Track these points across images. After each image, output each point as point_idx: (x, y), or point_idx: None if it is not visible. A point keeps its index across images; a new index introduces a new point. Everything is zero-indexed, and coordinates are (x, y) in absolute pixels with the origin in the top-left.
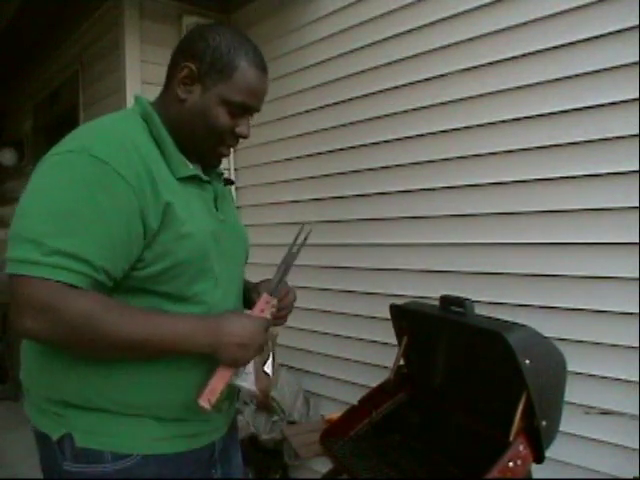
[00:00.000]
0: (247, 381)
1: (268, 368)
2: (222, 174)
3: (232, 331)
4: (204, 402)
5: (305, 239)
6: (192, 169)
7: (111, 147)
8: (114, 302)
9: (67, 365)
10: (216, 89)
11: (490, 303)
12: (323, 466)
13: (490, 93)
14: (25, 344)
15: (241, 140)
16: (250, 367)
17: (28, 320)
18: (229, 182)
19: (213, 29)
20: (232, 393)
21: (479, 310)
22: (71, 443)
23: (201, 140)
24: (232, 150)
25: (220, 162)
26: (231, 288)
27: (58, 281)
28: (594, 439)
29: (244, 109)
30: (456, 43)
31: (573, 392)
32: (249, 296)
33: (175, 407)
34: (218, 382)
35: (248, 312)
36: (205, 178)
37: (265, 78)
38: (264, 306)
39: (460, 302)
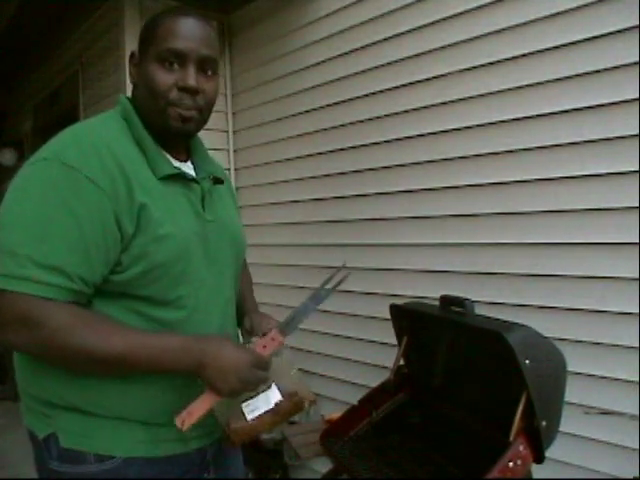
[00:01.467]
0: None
1: (249, 411)
2: (211, 174)
3: (217, 355)
4: (179, 422)
5: (339, 283)
6: (174, 167)
7: (82, 152)
8: (93, 316)
9: (50, 369)
10: (148, 54)
11: (490, 303)
12: (323, 466)
13: (490, 93)
14: None
15: (241, 140)
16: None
17: (10, 333)
18: (218, 181)
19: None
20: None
21: (479, 310)
22: (56, 443)
23: (151, 107)
24: (229, 140)
25: (184, 127)
26: (219, 290)
27: (33, 295)
28: (594, 439)
29: (177, 56)
30: (456, 43)
31: (573, 392)
32: (243, 314)
33: (158, 412)
34: (198, 406)
35: (252, 343)
36: (190, 176)
37: (194, 21)
38: (269, 343)
39: (460, 302)
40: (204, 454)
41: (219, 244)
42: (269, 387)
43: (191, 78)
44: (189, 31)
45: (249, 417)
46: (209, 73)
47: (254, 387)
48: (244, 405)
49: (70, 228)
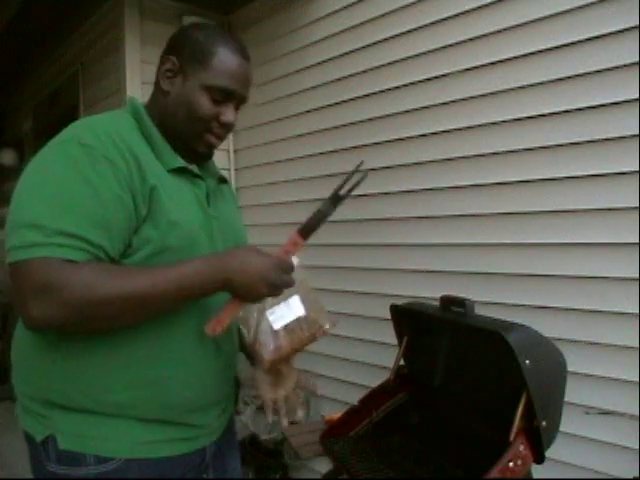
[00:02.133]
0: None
1: (275, 319)
2: (217, 173)
3: (241, 267)
4: (209, 330)
5: (357, 184)
6: (182, 162)
7: (98, 135)
8: (112, 266)
9: (52, 364)
10: (196, 76)
11: (490, 303)
12: (323, 466)
13: (491, 93)
14: (15, 345)
15: (241, 140)
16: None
17: (33, 307)
18: (222, 180)
19: (194, 25)
20: (226, 399)
21: (479, 310)
22: (54, 445)
23: (186, 128)
24: (231, 152)
25: (210, 152)
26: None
27: (56, 258)
28: (594, 439)
29: (225, 94)
30: (456, 43)
31: (573, 392)
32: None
33: (161, 406)
34: (226, 314)
35: (270, 251)
36: (196, 172)
37: (246, 64)
38: (290, 248)
39: (460, 302)
40: (204, 454)
41: (223, 240)
42: (290, 296)
43: (232, 116)
44: (241, 75)
45: (275, 326)
46: (239, 109)
47: (280, 291)
48: (269, 313)
49: (92, 203)
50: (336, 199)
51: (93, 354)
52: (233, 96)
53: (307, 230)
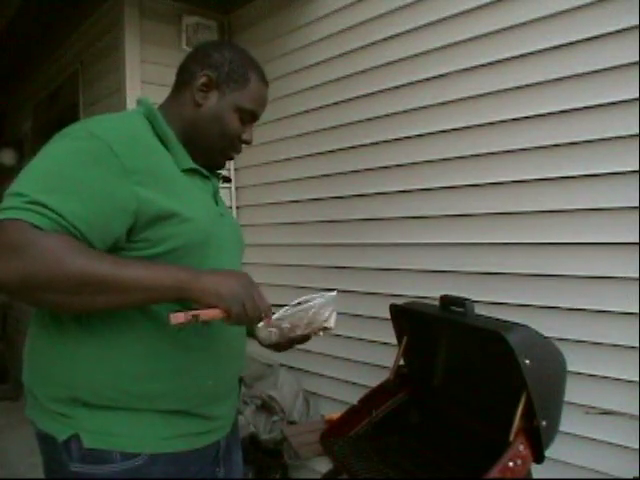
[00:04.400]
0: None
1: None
2: (220, 172)
3: (214, 270)
4: (175, 315)
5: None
6: (193, 163)
7: (112, 130)
8: (83, 244)
9: (76, 356)
10: (232, 96)
11: (490, 303)
12: (323, 466)
13: (490, 93)
14: (31, 344)
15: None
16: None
17: (1, 263)
18: (226, 179)
19: (226, 45)
20: (235, 391)
21: (479, 310)
22: (78, 444)
23: (214, 143)
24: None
25: (224, 165)
26: None
27: (28, 222)
28: (594, 439)
29: (252, 116)
30: (456, 43)
31: (573, 392)
32: None
33: (180, 398)
34: (201, 312)
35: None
36: (206, 173)
37: (267, 91)
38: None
39: (460, 302)
40: (218, 448)
41: (230, 237)
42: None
43: (251, 136)
44: (265, 100)
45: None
46: None
47: (256, 301)
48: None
49: (81, 187)
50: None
51: (115, 345)
52: (256, 118)
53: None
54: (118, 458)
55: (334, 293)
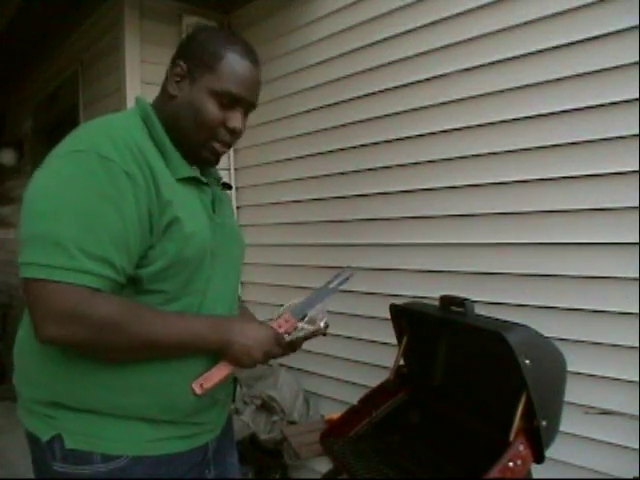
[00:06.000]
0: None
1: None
2: (221, 178)
3: (242, 332)
4: (196, 386)
5: (346, 279)
6: (191, 170)
7: (117, 146)
8: (134, 304)
9: (58, 367)
10: (203, 81)
11: (490, 303)
12: (323, 466)
13: (490, 93)
14: (19, 347)
15: (241, 140)
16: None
17: (53, 327)
18: (227, 187)
19: (204, 29)
20: (228, 391)
21: (479, 310)
22: (61, 444)
23: (192, 134)
24: (231, 149)
25: (216, 159)
26: (224, 291)
27: (83, 285)
28: (594, 439)
29: (234, 100)
30: (456, 43)
31: (573, 392)
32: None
33: (166, 409)
34: (215, 373)
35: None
36: (203, 180)
37: (255, 69)
38: (283, 324)
39: (460, 302)
40: (206, 450)
41: (226, 245)
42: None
43: (239, 123)
44: (249, 79)
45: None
46: (247, 116)
47: (271, 359)
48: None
49: (113, 220)
50: (323, 294)
51: (96, 361)
52: (241, 102)
53: (296, 312)
54: (99, 459)
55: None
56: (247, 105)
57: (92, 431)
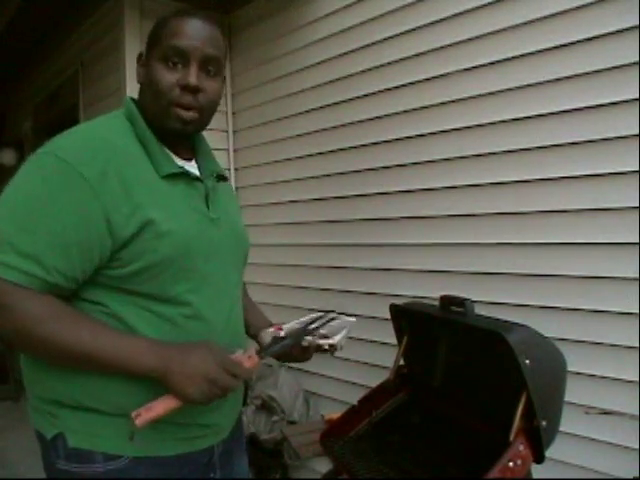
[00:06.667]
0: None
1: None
2: (219, 171)
3: (183, 361)
4: (134, 415)
5: (326, 322)
6: (177, 166)
7: (77, 148)
8: (65, 310)
9: (53, 368)
10: (153, 55)
11: (490, 303)
12: (323, 466)
13: (490, 93)
14: None
15: (240, 140)
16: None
17: None
18: (222, 178)
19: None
20: (237, 395)
21: (479, 310)
22: (64, 443)
23: (154, 108)
24: (229, 140)
25: (184, 128)
26: (225, 288)
27: (9, 281)
28: (594, 439)
29: (180, 54)
30: (456, 43)
31: (573, 392)
32: (249, 325)
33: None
34: (159, 405)
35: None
36: (193, 175)
37: (200, 22)
38: (245, 359)
39: (460, 302)
40: (211, 454)
41: (224, 241)
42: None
43: (192, 76)
44: (193, 30)
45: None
46: (212, 73)
47: (221, 391)
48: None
49: (53, 221)
50: (303, 334)
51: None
52: (190, 55)
53: (265, 353)
54: (101, 459)
55: (353, 319)
56: (201, 57)
57: (94, 430)
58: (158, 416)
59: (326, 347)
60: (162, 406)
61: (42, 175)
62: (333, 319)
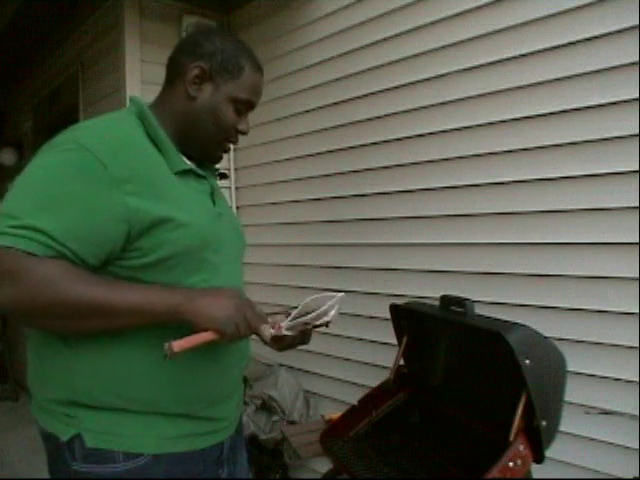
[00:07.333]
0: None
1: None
2: (217, 169)
3: (215, 292)
4: (168, 345)
5: (319, 308)
6: (188, 164)
7: (100, 138)
8: (77, 269)
9: (75, 363)
10: (226, 87)
11: (490, 303)
12: (323, 466)
13: (490, 93)
14: (34, 347)
15: (241, 139)
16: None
17: None
18: (223, 176)
19: (215, 32)
20: (239, 391)
21: (479, 310)
22: (81, 444)
23: (210, 135)
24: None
25: (222, 158)
26: (232, 279)
27: (20, 249)
28: (594, 439)
29: (248, 106)
30: (456, 43)
31: (573, 392)
32: None
33: (184, 401)
34: (192, 338)
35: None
36: (201, 173)
37: (262, 78)
38: (270, 326)
39: (460, 302)
40: (222, 448)
41: (229, 236)
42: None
43: (248, 126)
44: (260, 88)
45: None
46: None
47: (245, 328)
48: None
49: (70, 203)
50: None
51: (112, 352)
52: (252, 108)
53: (288, 327)
54: (121, 458)
55: (342, 294)
56: (253, 109)
57: (113, 429)
58: (190, 345)
59: (324, 325)
60: (195, 338)
61: (62, 159)
62: (323, 299)
